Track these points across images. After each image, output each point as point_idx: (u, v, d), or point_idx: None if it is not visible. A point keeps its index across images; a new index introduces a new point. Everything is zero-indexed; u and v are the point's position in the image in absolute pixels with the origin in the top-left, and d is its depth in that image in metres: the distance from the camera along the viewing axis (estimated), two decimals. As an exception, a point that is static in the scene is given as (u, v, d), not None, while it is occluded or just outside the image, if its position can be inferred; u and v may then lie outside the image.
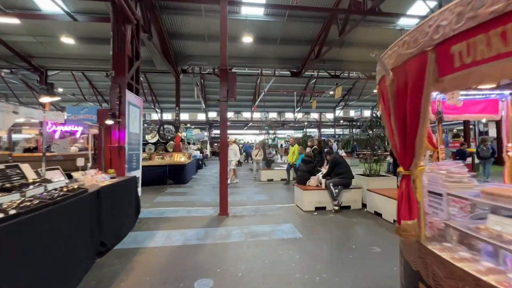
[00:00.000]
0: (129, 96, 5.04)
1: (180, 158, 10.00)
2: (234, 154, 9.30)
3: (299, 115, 28.92)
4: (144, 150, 12.43)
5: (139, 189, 5.62)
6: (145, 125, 11.11)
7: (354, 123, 33.36)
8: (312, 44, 9.53)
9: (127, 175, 4.80)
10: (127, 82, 5.12)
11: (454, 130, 16.67)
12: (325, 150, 10.54)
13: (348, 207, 5.77)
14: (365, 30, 9.18)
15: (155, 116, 26.48)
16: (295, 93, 21.16)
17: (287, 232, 4.43)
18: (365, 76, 13.12)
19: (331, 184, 5.57)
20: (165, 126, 10.43)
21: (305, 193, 5.66)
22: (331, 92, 22.18)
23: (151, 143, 12.43)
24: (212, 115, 27.65)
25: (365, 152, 16.63)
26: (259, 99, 21.22)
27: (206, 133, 27.15)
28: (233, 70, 19.07)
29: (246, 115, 28.69)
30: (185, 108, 26.43)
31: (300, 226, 4.70)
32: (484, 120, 14.99)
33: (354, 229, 4.56)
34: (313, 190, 5.71)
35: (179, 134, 10.52)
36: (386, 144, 7.01)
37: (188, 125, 29.14)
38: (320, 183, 5.98)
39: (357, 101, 26.36)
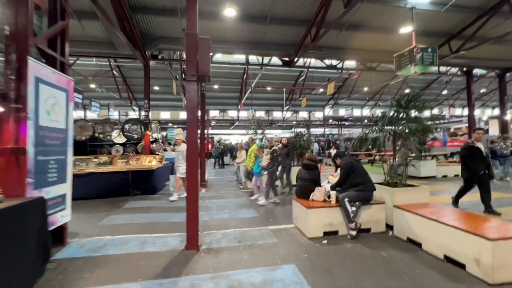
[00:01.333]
0: (39, 69, 3.17)
1: (149, 162, 8.10)
2: (183, 158, 6.68)
3: (288, 114, 27.45)
4: (109, 152, 10.44)
5: (68, 211, 3.76)
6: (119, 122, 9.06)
7: (343, 122, 32.32)
8: (309, 24, 7.91)
9: (30, 195, 2.93)
10: (38, 48, 3.26)
11: (452, 129, 15.61)
12: (333, 151, 8.97)
13: (367, 230, 4.15)
14: (370, 9, 7.66)
15: (132, 115, 24.18)
16: (284, 89, 19.62)
17: (289, 283, 2.73)
18: (363, 67, 11.68)
19: (346, 199, 3.93)
20: (133, 123, 8.49)
21: (309, 212, 3.98)
22: (321, 90, 20.85)
23: (119, 144, 10.45)
24: (196, 113, 25.61)
25: (374, 153, 15.12)
26: (245, 96, 19.50)
27: (189, 133, 25.11)
28: (213, 59, 17.15)
29: (232, 113, 26.90)
30: (166, 106, 24.33)
31: (307, 270, 3.00)
32: (485, 118, 13.99)
33: (391, 274, 2.92)
34: (320, 208, 4.04)
35: (149, 132, 8.62)
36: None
37: (170, 124, 27.00)
38: (329, 197, 4.33)
39: (347, 99, 25.23)
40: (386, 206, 4.24)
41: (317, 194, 4.35)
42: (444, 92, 25.85)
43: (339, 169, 4.68)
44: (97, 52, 8.47)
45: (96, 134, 8.36)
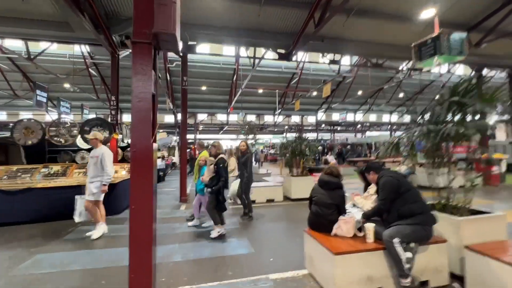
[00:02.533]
0: None
1: (115, 173, 6.40)
2: (98, 169, 4.35)
3: (280, 118, 26.13)
4: (73, 160, 8.67)
5: None
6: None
7: (336, 127, 31.31)
8: (311, 7, 6.53)
9: None
10: None
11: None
12: (330, 157, 7.92)
13: (423, 283, 2.66)
14: (384, -10, 6.39)
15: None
16: (277, 91, 18.26)
17: None
18: (370, 64, 10.31)
19: (397, 240, 2.44)
20: (95, 125, 6.79)
21: (339, 260, 2.46)
22: (314, 93, 19.68)
23: (85, 150, 8.67)
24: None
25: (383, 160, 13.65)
26: (235, 99, 18.05)
27: (175, 138, 23.30)
28: (200, 58, 15.62)
29: (221, 117, 25.33)
30: (149, 109, 22.44)
31: None
32: (491, 122, 12.97)
33: None
34: (355, 254, 2.53)
35: (116, 136, 6.93)
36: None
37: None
38: (360, 230, 2.85)
39: (341, 103, 24.23)
40: (449, 245, 2.77)
41: (343, 228, 2.85)
42: (437, 97, 25.27)
43: (370, 188, 3.23)
44: (50, 35, 6.75)
45: (47, 138, 6.59)
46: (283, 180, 7.89)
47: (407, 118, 4.42)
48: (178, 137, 26.32)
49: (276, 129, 30.84)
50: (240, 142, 5.85)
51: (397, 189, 2.65)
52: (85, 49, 15.13)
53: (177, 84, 19.43)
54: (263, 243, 4.09)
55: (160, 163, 12.78)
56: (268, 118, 26.27)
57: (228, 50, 18.35)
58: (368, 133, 34.00)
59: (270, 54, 19.81)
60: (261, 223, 5.15)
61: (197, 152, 6.32)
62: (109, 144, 6.81)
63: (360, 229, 2.88)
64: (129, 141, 10.31)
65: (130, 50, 8.10)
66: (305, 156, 7.33)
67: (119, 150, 8.83)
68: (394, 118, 29.52)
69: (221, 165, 4.23)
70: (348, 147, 24.23)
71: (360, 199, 3.25)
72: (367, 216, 2.85)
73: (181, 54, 7.57)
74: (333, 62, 9.22)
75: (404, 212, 2.58)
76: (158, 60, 2.39)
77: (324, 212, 2.97)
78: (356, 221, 2.91)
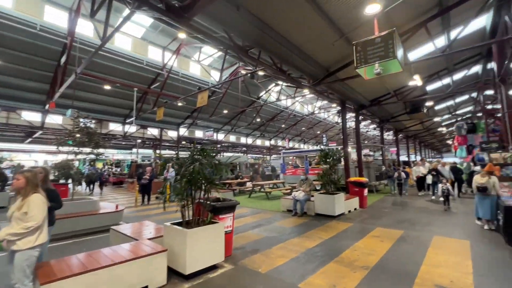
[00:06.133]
0: None
1: None
2: None
3: (132, 129, 20.06)
4: None
5: None
6: None
7: (198, 145, 28.66)
8: None
9: None
10: None
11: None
12: None
13: None
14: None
15: None
16: (135, 90, 13.17)
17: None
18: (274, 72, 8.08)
19: None
20: None
21: None
22: (180, 104, 16.36)
23: None
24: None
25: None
26: (62, 90, 11.27)
27: None
28: None
29: (32, 117, 15.90)
30: None
31: None
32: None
33: None
34: None
35: None
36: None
37: None
38: None
39: (205, 120, 22.17)
40: None
41: None
42: (283, 125, 29.03)
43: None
44: None
45: None
46: (162, 232, 3.92)
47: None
48: None
49: (123, 143, 23.89)
50: None
51: None
52: None
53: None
54: None
55: None
56: (116, 127, 19.49)
57: (56, 15, 11.26)
58: (225, 154, 33.92)
59: (127, 41, 14.65)
60: None
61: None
62: None
63: None
64: None
65: None
66: (214, 185, 3.87)
67: None
68: (249, 140, 31.06)
69: None
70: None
71: None
72: None
73: None
74: (245, 49, 6.35)
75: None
76: None
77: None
78: None
